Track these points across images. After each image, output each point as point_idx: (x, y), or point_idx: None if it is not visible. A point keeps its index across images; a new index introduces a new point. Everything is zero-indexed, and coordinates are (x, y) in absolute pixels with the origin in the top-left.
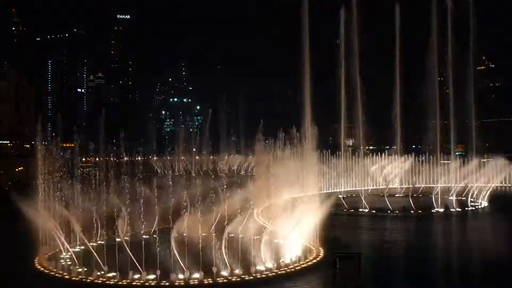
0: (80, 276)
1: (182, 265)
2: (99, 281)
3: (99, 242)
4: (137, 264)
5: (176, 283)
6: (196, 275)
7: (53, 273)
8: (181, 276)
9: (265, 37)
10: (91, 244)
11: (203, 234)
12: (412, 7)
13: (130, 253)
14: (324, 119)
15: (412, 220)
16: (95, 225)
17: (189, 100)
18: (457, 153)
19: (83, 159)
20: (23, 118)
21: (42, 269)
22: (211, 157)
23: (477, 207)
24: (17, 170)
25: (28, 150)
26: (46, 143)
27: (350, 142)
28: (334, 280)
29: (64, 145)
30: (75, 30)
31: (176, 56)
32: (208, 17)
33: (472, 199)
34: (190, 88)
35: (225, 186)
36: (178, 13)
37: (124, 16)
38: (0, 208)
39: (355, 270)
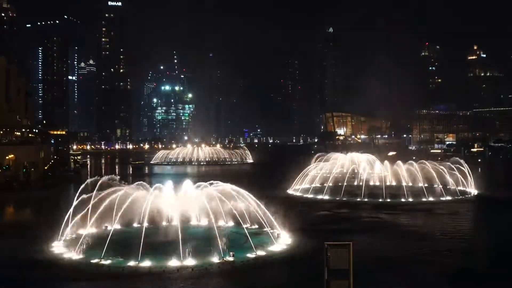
0: None
1: None
2: None
3: None
4: None
5: None
6: None
7: None
8: None
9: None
10: None
11: None
12: None
13: None
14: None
15: None
16: None
17: (181, 88)
18: (447, 142)
19: (74, 147)
20: (13, 106)
21: None
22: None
23: None
24: (7, 158)
25: (18, 138)
26: (36, 130)
27: (342, 131)
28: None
29: (55, 132)
30: (66, 17)
31: (168, 44)
32: (200, 5)
33: None
34: (182, 76)
35: None
36: (170, 0)
37: (115, 3)
38: None
39: (346, 256)
